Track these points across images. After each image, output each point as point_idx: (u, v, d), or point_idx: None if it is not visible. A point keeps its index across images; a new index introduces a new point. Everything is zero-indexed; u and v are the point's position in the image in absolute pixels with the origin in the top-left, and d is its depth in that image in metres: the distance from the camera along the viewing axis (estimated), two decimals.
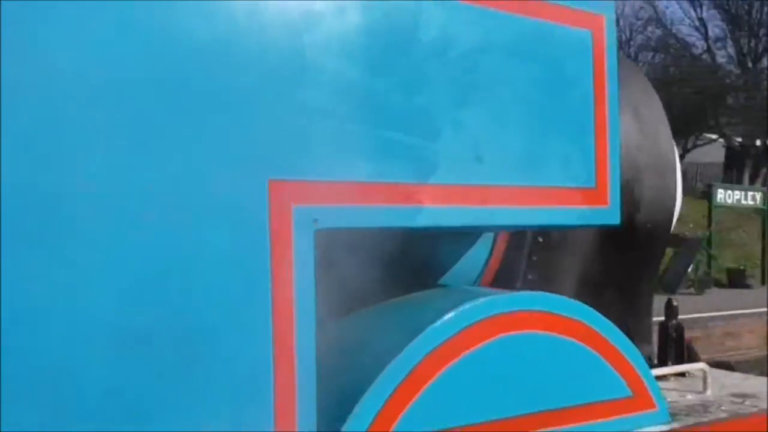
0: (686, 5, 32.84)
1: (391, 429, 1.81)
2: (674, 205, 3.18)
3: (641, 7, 31.28)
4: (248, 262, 1.64)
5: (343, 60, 1.77)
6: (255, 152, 1.65)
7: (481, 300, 2.01)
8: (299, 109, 1.71)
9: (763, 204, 23.90)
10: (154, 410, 1.53)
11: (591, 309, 2.22)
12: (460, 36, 1.98)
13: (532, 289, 2.63)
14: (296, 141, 1.70)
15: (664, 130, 3.18)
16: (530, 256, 2.82)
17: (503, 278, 2.75)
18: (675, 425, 2.35)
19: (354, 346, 1.97)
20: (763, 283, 22.39)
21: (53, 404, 1.41)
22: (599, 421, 2.20)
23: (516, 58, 2.11)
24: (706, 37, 31.27)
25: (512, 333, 2.03)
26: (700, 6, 32.42)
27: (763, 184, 29.48)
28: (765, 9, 31.74)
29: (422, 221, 1.90)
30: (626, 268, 3.07)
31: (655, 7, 30.63)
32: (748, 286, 20.71)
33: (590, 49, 2.25)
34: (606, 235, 2.90)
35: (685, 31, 33.57)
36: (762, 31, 32.00)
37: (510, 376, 2.04)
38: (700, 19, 32.05)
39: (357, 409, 1.77)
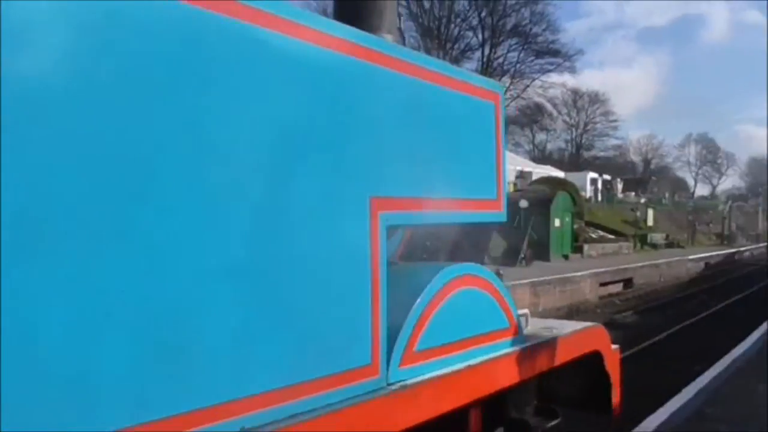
0: None
1: (417, 341, 3.03)
2: None
3: None
4: (358, 247, 2.75)
5: (409, 125, 2.96)
6: (363, 179, 2.77)
7: (450, 267, 3.29)
8: (384, 150, 2.86)
9: None
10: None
11: (493, 273, 3.62)
12: (429, 108, 3.24)
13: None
14: (382, 171, 2.85)
15: None
16: (425, 243, 4.16)
17: (408, 258, 4.04)
18: (526, 345, 3.85)
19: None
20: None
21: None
22: (496, 342, 3.60)
23: (457, 120, 3.43)
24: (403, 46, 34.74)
25: (463, 288, 3.34)
26: (399, 17, 36.03)
27: None
28: (452, 26, 36.63)
29: (430, 221, 3.15)
30: (472, 247, 4.55)
31: None
32: None
33: (494, 113, 3.64)
34: (464, 228, 4.34)
35: None
36: (449, 45, 36.82)
37: (459, 315, 3.35)
38: (399, 29, 35.61)
39: (402, 330, 2.96)
